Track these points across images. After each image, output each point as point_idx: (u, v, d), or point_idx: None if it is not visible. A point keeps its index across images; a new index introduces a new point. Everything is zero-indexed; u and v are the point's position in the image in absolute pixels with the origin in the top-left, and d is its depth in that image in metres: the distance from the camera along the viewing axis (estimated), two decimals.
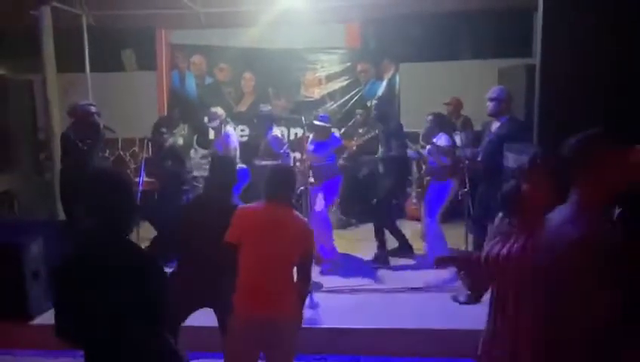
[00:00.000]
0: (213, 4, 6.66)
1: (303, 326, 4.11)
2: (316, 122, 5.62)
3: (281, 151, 5.72)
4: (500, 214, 2.64)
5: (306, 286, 3.03)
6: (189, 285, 3.13)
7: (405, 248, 5.74)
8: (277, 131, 5.87)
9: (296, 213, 3.01)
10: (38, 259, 4.40)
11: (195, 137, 7.44)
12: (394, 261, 5.54)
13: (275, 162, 5.58)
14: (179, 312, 3.18)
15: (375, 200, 5.70)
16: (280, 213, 2.92)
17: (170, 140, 5.99)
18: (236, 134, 6.46)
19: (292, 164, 6.29)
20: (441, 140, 5.25)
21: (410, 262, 5.58)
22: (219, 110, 6.12)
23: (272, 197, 2.96)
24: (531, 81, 4.55)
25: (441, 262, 2.74)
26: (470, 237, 4.92)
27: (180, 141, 6.83)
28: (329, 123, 5.72)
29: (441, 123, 5.41)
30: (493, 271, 2.47)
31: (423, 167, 7.05)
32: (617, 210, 2.23)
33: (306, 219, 3.05)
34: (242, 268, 2.86)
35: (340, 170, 5.75)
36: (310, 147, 5.55)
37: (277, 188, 2.96)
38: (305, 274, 2.98)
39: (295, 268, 2.96)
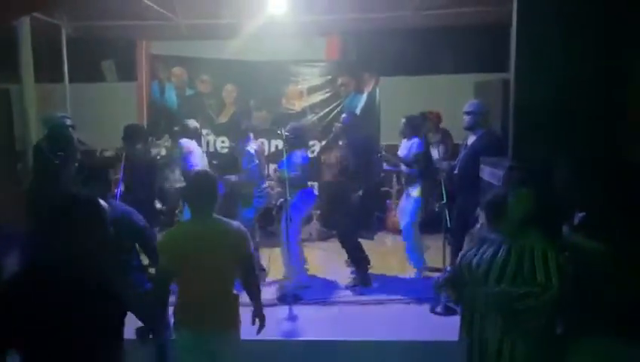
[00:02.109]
0: (194, 16, 6.69)
1: (282, 338, 4.14)
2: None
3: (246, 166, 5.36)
4: (480, 222, 2.68)
5: (255, 289, 3.02)
6: None
7: (361, 278, 5.21)
8: (251, 145, 5.46)
9: (225, 220, 2.91)
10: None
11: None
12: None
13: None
14: None
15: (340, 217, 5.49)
16: (207, 225, 2.84)
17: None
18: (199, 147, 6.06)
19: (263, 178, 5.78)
20: (414, 146, 5.27)
21: (390, 273, 5.59)
22: (191, 122, 5.85)
23: (194, 212, 2.88)
24: (507, 95, 4.62)
25: (439, 288, 2.70)
26: (448, 248, 4.96)
27: (163, 152, 6.77)
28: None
29: (414, 125, 5.37)
30: (466, 278, 2.51)
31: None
32: (579, 215, 2.30)
33: (236, 223, 2.94)
34: (181, 289, 2.84)
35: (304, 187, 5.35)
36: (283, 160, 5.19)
37: (197, 201, 2.87)
38: (251, 278, 3.00)
39: (240, 275, 2.96)
